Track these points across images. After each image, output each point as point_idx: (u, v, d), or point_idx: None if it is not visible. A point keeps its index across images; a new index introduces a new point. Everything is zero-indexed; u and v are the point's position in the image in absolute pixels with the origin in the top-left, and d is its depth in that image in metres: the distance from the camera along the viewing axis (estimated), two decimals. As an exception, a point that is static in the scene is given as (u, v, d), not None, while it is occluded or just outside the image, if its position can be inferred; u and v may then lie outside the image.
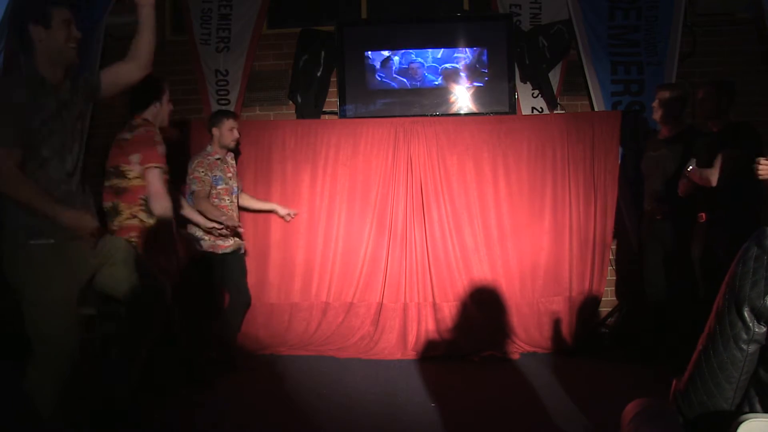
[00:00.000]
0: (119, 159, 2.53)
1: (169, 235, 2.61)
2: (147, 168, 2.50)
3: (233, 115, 3.56)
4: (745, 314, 0.92)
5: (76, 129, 2.06)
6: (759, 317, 0.92)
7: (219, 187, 3.45)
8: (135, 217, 2.55)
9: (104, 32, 4.22)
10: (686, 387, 1.03)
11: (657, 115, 3.42)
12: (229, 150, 3.55)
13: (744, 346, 0.94)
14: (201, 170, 3.38)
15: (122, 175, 2.51)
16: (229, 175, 3.53)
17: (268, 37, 4.47)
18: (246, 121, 4.24)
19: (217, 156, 3.46)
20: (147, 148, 2.50)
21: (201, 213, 3.32)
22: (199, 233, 3.37)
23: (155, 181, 2.50)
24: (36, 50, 1.94)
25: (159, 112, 2.73)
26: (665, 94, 3.37)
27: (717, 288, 1.03)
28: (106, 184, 2.56)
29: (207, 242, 3.38)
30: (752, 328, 0.93)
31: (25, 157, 1.88)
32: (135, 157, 2.48)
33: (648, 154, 3.50)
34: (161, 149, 2.54)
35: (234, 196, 3.54)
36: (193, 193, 3.36)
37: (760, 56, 4.16)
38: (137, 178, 2.52)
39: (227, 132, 3.46)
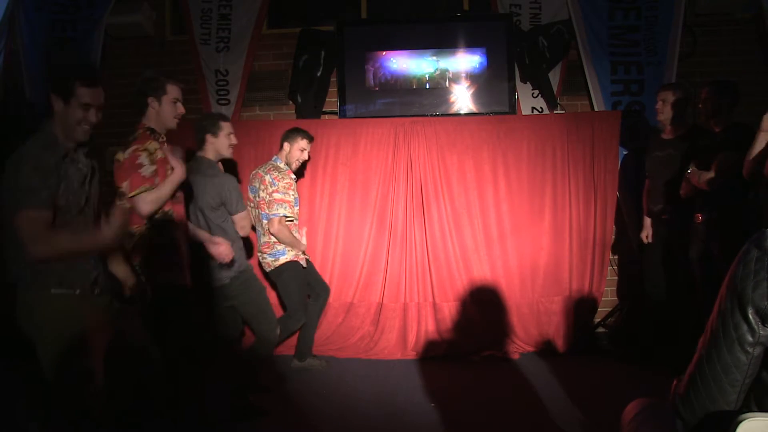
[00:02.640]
0: (118, 180, 2.36)
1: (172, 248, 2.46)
2: (131, 197, 2.31)
3: (308, 137, 3.44)
4: (750, 316, 0.92)
5: (90, 207, 2.02)
6: (764, 319, 0.91)
7: (296, 208, 3.41)
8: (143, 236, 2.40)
9: (104, 32, 4.24)
10: (686, 391, 1.02)
11: (662, 115, 3.41)
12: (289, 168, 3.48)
13: (749, 349, 0.93)
14: (292, 193, 3.30)
15: (123, 195, 2.36)
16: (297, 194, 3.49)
17: (268, 37, 4.47)
18: (246, 121, 4.25)
19: (293, 176, 3.41)
20: (133, 174, 2.32)
21: (274, 235, 3.26)
22: (279, 247, 3.31)
23: (141, 206, 2.32)
24: (54, 116, 1.91)
25: (158, 114, 2.46)
26: (670, 95, 3.38)
27: (715, 289, 1.02)
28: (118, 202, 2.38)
29: (291, 253, 3.34)
30: (758, 330, 0.92)
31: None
32: (125, 185, 2.32)
33: (654, 155, 3.49)
34: (147, 170, 2.33)
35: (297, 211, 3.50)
36: (278, 217, 3.23)
37: (760, 56, 4.16)
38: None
39: (297, 152, 3.41)
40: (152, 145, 2.38)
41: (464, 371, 3.47)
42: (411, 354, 3.77)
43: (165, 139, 2.50)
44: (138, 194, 2.31)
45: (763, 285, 0.90)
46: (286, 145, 3.43)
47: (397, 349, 3.81)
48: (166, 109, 2.46)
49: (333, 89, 4.33)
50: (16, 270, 1.84)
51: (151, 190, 2.33)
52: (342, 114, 4.24)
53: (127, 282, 2.17)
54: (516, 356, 3.70)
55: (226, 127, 2.92)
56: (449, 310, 3.87)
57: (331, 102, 4.36)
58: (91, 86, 1.90)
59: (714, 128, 3.11)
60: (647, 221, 3.59)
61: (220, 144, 2.90)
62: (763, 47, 4.13)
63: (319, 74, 4.27)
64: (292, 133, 3.45)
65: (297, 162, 3.43)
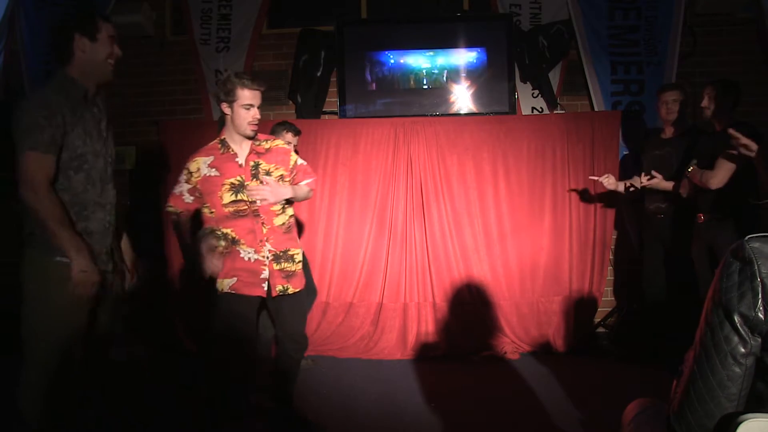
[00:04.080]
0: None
1: None
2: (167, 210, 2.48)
3: (294, 131, 3.35)
4: (739, 327, 0.92)
5: (109, 155, 1.99)
6: (753, 329, 0.91)
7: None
8: None
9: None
10: (681, 408, 1.01)
11: (672, 115, 3.41)
12: None
13: (743, 360, 0.93)
14: None
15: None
16: None
17: (268, 37, 4.47)
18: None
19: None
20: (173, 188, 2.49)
21: None
22: None
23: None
24: (74, 61, 1.88)
25: (232, 122, 2.34)
26: (678, 94, 3.39)
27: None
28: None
29: None
30: (749, 340, 0.92)
31: (58, 172, 1.81)
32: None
33: (651, 153, 3.50)
34: (178, 188, 2.44)
35: None
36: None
37: (760, 56, 4.16)
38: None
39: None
40: (194, 164, 2.34)
41: (464, 371, 3.47)
42: (411, 354, 3.77)
43: (235, 152, 2.34)
44: (167, 209, 2.44)
45: (748, 295, 0.91)
46: None
47: (397, 349, 3.81)
48: (239, 115, 2.28)
49: (333, 89, 4.33)
50: (29, 229, 1.83)
51: (169, 209, 2.44)
52: (342, 114, 4.24)
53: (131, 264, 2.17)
54: (516, 356, 3.70)
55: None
56: (449, 310, 3.87)
57: (331, 102, 4.35)
58: (109, 21, 1.96)
59: (716, 128, 3.11)
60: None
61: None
62: (763, 47, 4.13)
63: (319, 74, 4.27)
64: (277, 128, 3.41)
65: None
